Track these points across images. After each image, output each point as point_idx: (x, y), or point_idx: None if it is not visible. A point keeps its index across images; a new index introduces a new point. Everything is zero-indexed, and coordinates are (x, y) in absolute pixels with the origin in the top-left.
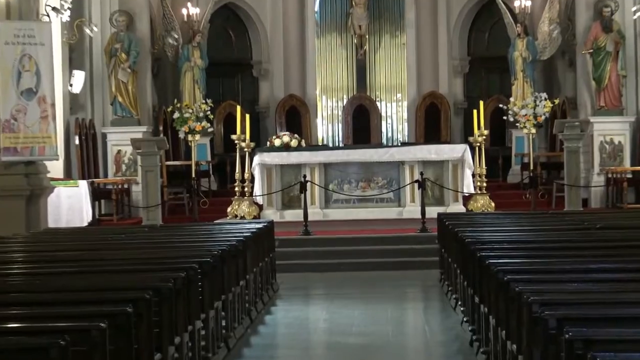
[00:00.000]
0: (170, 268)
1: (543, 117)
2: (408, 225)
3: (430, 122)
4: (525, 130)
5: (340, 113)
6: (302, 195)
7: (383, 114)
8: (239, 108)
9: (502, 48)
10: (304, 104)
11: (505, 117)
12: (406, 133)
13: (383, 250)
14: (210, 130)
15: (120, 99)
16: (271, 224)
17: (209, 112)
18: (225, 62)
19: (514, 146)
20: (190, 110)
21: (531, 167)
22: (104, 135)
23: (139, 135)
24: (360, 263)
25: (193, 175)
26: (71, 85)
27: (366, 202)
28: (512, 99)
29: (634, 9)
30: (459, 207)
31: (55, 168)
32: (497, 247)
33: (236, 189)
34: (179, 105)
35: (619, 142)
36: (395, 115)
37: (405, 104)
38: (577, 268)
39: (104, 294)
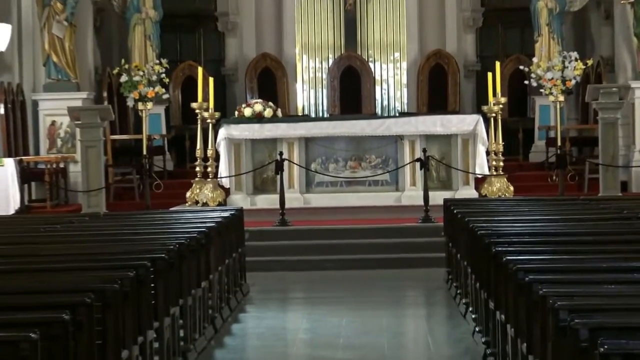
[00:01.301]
0: (116, 266)
1: (573, 82)
2: (408, 213)
3: (435, 88)
4: (551, 98)
5: (324, 76)
6: (278, 176)
7: (377, 77)
8: (200, 70)
9: None
10: (281, 66)
11: (526, 82)
12: (405, 101)
13: (377, 244)
14: (165, 97)
15: (55, 59)
16: (240, 212)
17: (163, 75)
18: (184, 14)
19: (538, 117)
20: (141, 73)
21: (558, 143)
22: (35, 103)
23: (78, 103)
24: (349, 260)
25: (144, 153)
26: None
27: (356, 186)
28: (535, 60)
29: None
30: (469, 192)
31: None
32: (517, 240)
33: (197, 169)
34: (127, 66)
35: None
36: (392, 79)
37: (404, 65)
38: (614, 267)
39: (35, 298)
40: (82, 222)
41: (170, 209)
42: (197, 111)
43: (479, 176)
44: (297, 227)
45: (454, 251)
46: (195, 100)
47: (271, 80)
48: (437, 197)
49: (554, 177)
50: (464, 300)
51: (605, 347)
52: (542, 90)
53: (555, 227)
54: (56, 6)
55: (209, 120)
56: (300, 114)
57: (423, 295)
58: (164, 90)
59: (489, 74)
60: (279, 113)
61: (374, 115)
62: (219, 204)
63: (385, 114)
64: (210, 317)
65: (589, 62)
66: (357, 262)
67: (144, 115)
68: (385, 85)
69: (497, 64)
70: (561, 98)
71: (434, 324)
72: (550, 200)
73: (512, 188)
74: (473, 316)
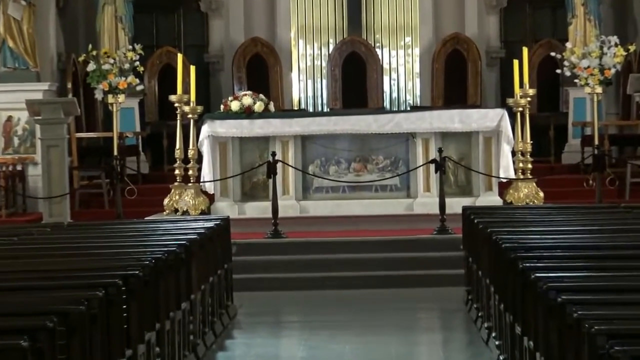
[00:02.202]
0: (83, 285)
1: (613, 71)
2: (421, 223)
3: (453, 78)
4: (587, 90)
5: (324, 65)
6: (270, 180)
7: (385, 65)
8: (180, 57)
9: None
10: (273, 52)
11: (558, 71)
12: (418, 93)
13: (385, 259)
14: (139, 88)
15: (11, 44)
16: (226, 223)
17: (137, 64)
18: None
19: (572, 112)
20: (112, 61)
21: (596, 142)
22: None
23: (39, 96)
24: (353, 278)
25: (115, 153)
26: None
27: (361, 191)
28: (568, 45)
29: None
30: (493, 199)
31: None
32: (547, 255)
33: (176, 172)
34: (94, 53)
35: None
36: (402, 67)
37: (416, 51)
38: None
39: None
40: (43, 233)
41: (146, 218)
42: (176, 105)
43: (504, 180)
44: (293, 240)
45: (475, 267)
46: (174, 92)
47: (262, 69)
48: (455, 205)
49: (591, 182)
50: (486, 325)
51: None
52: (576, 80)
53: (592, 240)
54: None
55: (190, 116)
56: (296, 108)
57: (439, 318)
58: (137, 80)
59: (515, 62)
60: (272, 107)
61: (381, 110)
62: (202, 213)
63: (395, 108)
64: (192, 343)
65: (631, 48)
66: (362, 280)
67: (114, 109)
68: (394, 75)
69: (525, 50)
70: (599, 90)
71: (451, 352)
72: (586, 208)
73: (541, 194)
74: (497, 343)
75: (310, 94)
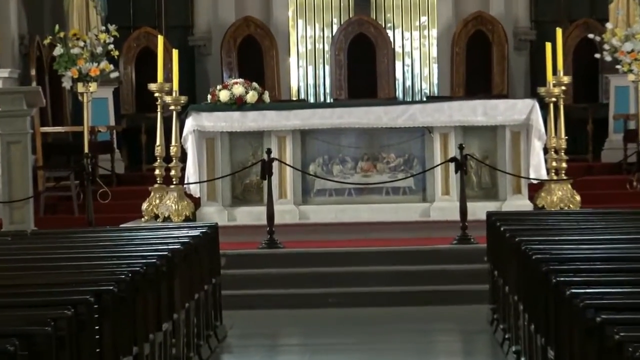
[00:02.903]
0: (49, 302)
1: None
2: (438, 232)
3: (476, 64)
4: (630, 77)
5: (327, 49)
6: (265, 182)
7: (398, 49)
8: (161, 40)
9: None
10: (268, 34)
11: (597, 56)
12: (435, 81)
13: (397, 273)
14: (114, 76)
15: None
16: (214, 231)
17: (112, 47)
18: None
19: (613, 103)
20: (82, 44)
21: None
22: None
23: None
24: (360, 294)
25: (86, 150)
26: None
27: (370, 195)
28: (609, 26)
29: None
30: (521, 203)
31: None
32: (585, 268)
33: (157, 172)
34: (62, 35)
35: None
36: (417, 52)
37: (433, 33)
38: None
39: None
40: (3, 243)
41: (121, 225)
42: (156, 95)
43: (534, 182)
44: (291, 250)
45: (501, 282)
46: (154, 80)
47: (256, 54)
48: (478, 210)
49: (635, 183)
50: (514, 348)
51: None
52: (618, 66)
53: (636, 251)
54: None
55: (172, 107)
56: (294, 99)
57: (460, 341)
58: (111, 66)
59: (548, 45)
60: (267, 97)
61: (393, 101)
62: (186, 219)
63: (409, 99)
64: None
65: None
66: (370, 297)
67: (85, 100)
68: (408, 61)
69: (559, 31)
70: None
71: None
72: (629, 214)
73: (578, 197)
74: None
75: (311, 82)
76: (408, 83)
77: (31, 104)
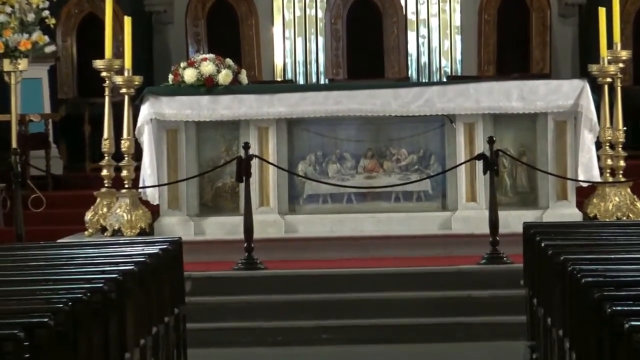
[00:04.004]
0: None
1: None
2: (462, 248)
3: (509, 35)
4: None
5: (320, 16)
6: (242, 185)
7: (411, 17)
8: (109, 5)
9: None
10: None
11: None
12: (459, 57)
13: (410, 301)
14: (50, 50)
15: None
16: (177, 247)
17: (47, 14)
18: None
19: None
20: (9, 10)
21: None
22: None
23: None
24: (362, 328)
25: (14, 145)
26: None
27: (375, 201)
28: None
29: None
30: (568, 212)
31: None
32: None
33: (104, 172)
34: None
35: None
36: (436, 20)
37: None
38: None
39: None
40: None
41: (59, 240)
42: (104, 75)
43: (584, 185)
44: (274, 272)
45: (542, 312)
46: (101, 56)
47: (230, 23)
48: (513, 221)
49: None
50: None
51: None
52: None
53: None
54: None
55: (124, 91)
56: (279, 80)
57: None
58: (47, 39)
59: (601, 11)
60: (244, 78)
61: (405, 82)
62: (142, 233)
63: (425, 80)
64: None
65: None
66: (375, 331)
67: (12, 81)
68: (424, 31)
69: None
70: None
71: None
72: None
73: None
74: None
75: (300, 58)
76: (424, 59)
77: None
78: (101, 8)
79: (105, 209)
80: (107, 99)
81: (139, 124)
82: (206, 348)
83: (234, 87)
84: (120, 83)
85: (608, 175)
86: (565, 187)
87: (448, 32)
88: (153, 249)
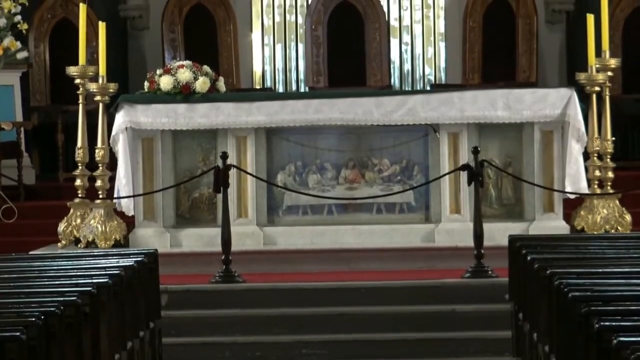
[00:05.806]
0: None
1: None
2: (446, 262)
3: (495, 42)
4: None
5: (300, 22)
6: (220, 196)
7: (394, 23)
8: (83, 9)
9: None
10: (224, 3)
11: None
12: (443, 64)
13: (392, 315)
14: (21, 56)
15: None
16: (153, 260)
17: (19, 19)
18: None
19: None
20: None
21: None
22: None
23: None
24: (343, 343)
25: None
26: None
27: (357, 213)
28: None
29: None
30: (555, 224)
31: None
32: (636, 310)
33: (77, 182)
34: None
35: None
36: (419, 26)
37: (441, 2)
38: None
39: None
40: None
41: (31, 252)
42: (77, 82)
43: (572, 197)
44: (253, 285)
45: (528, 327)
46: (75, 62)
47: (207, 28)
48: (498, 233)
49: None
50: None
51: None
52: None
53: None
54: None
55: (98, 98)
56: (258, 87)
57: None
58: (18, 44)
59: (590, 18)
60: (222, 85)
61: (387, 90)
62: (117, 245)
63: (408, 88)
64: None
65: None
66: (356, 346)
67: None
68: (407, 37)
69: (604, 0)
70: None
71: None
72: None
73: (628, 217)
74: None
75: (279, 65)
76: (407, 67)
77: None
78: (75, 13)
79: (78, 220)
80: (81, 107)
81: (113, 132)
82: None
83: (211, 95)
84: (95, 90)
85: (596, 186)
86: (552, 199)
87: (432, 39)
88: (128, 262)
